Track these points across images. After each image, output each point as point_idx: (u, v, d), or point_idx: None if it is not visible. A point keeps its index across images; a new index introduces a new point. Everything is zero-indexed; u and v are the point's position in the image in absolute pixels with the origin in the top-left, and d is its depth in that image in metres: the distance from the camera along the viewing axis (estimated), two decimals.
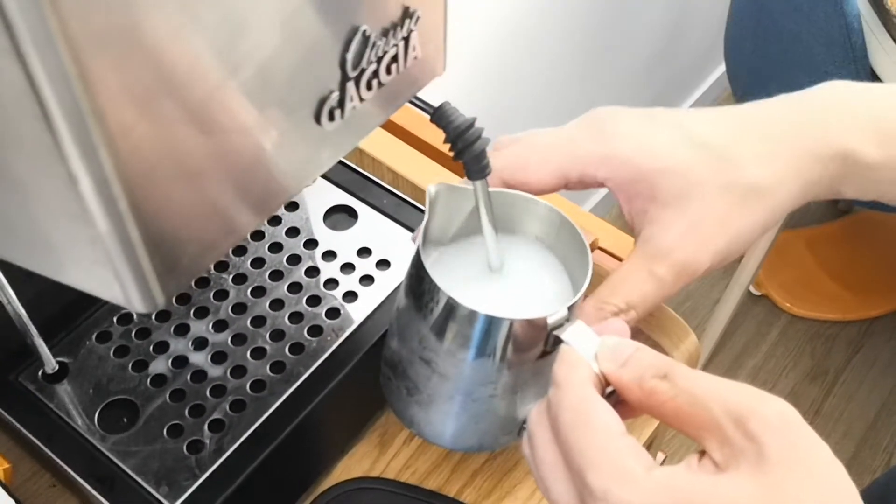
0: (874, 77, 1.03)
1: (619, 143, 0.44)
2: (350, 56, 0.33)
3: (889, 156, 0.43)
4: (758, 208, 0.43)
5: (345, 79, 0.33)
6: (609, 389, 0.36)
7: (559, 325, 0.40)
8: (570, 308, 0.41)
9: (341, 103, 0.33)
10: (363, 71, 0.34)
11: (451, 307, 0.41)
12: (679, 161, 0.43)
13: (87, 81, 0.24)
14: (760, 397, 0.32)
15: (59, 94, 0.24)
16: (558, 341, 0.39)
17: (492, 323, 0.41)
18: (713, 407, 0.32)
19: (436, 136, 0.40)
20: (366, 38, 0.33)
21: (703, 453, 0.32)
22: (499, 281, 0.45)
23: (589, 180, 0.45)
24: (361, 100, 0.34)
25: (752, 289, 1.69)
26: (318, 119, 0.33)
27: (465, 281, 0.44)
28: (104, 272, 0.30)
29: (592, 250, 0.44)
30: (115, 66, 0.25)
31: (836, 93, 0.45)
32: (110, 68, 0.25)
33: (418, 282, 0.43)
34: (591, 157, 0.44)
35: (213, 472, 0.45)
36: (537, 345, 0.42)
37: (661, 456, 0.68)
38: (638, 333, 0.53)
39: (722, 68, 1.87)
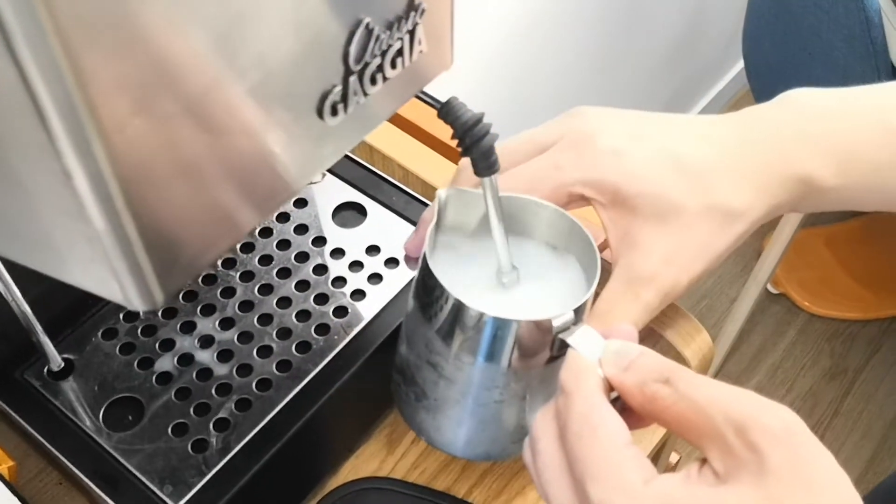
0: (894, 71, 1.02)
1: (603, 165, 0.45)
2: (353, 49, 0.32)
3: (844, 181, 0.45)
4: (733, 232, 0.44)
5: (348, 73, 0.32)
6: (614, 395, 0.35)
7: (565, 329, 0.40)
8: (577, 311, 0.40)
9: (344, 98, 0.33)
10: (367, 65, 0.33)
11: (458, 309, 0.41)
12: (660, 184, 0.44)
13: (80, 75, 0.24)
14: (764, 406, 0.31)
15: (51, 88, 0.24)
16: (564, 345, 0.38)
17: (497, 324, 0.40)
18: (715, 414, 0.31)
19: (448, 133, 0.40)
20: (369, 32, 0.32)
21: (704, 461, 0.32)
22: (506, 284, 0.44)
23: (574, 204, 0.46)
24: (365, 94, 0.34)
25: (770, 287, 1.67)
26: (320, 114, 0.32)
27: (473, 284, 0.44)
28: (102, 270, 0.29)
29: (602, 250, 0.44)
30: (108, 59, 0.25)
31: (800, 114, 0.46)
32: (104, 61, 0.24)
33: (426, 285, 0.42)
34: (577, 183, 0.45)
35: (218, 471, 0.45)
36: (543, 348, 0.42)
37: (674, 456, 0.67)
38: (650, 333, 0.53)
39: (740, 64, 1.85)
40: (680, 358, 0.52)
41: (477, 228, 0.45)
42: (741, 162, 0.45)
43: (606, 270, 0.43)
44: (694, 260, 0.44)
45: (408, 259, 0.53)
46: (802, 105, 0.46)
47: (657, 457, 0.61)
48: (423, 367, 0.45)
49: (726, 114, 0.47)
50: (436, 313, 0.42)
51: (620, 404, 0.35)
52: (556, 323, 0.40)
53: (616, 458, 0.32)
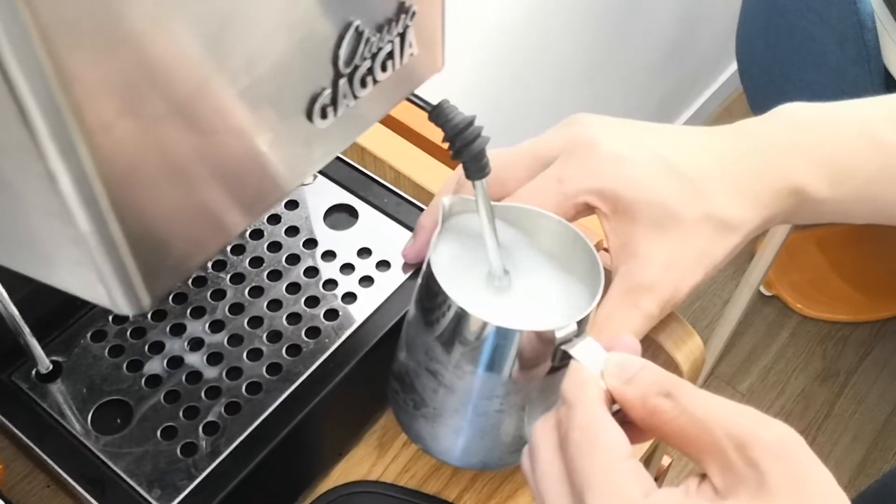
0: (887, 75, 1.02)
1: (605, 171, 0.45)
2: (342, 52, 0.32)
3: (836, 193, 0.46)
4: (729, 242, 0.45)
5: (337, 76, 0.32)
6: (615, 407, 0.35)
7: (568, 340, 0.39)
8: (580, 322, 0.40)
9: (334, 101, 0.33)
10: (357, 68, 0.33)
11: (460, 317, 0.41)
12: (658, 191, 0.44)
13: (64, 76, 0.24)
14: (763, 422, 0.31)
15: (35, 89, 0.24)
16: (566, 356, 0.38)
17: (500, 334, 0.40)
18: (716, 430, 0.31)
19: (439, 135, 0.40)
20: (359, 34, 0.32)
21: (703, 477, 0.32)
22: (509, 294, 0.44)
23: (581, 216, 0.47)
24: (355, 97, 0.34)
25: (762, 289, 1.67)
26: (309, 117, 0.32)
27: (476, 293, 0.44)
28: (88, 273, 0.29)
29: (599, 251, 0.43)
30: (93, 61, 0.24)
31: (793, 127, 0.46)
32: (88, 62, 0.24)
33: (428, 292, 0.42)
34: (581, 192, 0.45)
35: (207, 475, 0.45)
36: (545, 359, 0.41)
37: (667, 459, 0.67)
38: (643, 338, 0.52)
39: (734, 66, 1.86)
40: (671, 362, 0.52)
41: (480, 237, 0.45)
42: (736, 174, 0.45)
43: (608, 280, 0.43)
44: (692, 268, 0.44)
45: (405, 265, 0.53)
46: (795, 118, 0.47)
47: (649, 460, 0.61)
48: (422, 374, 0.45)
49: (721, 126, 0.47)
50: (437, 320, 0.42)
51: (621, 417, 0.35)
52: (559, 334, 0.40)
53: (616, 470, 0.32)
